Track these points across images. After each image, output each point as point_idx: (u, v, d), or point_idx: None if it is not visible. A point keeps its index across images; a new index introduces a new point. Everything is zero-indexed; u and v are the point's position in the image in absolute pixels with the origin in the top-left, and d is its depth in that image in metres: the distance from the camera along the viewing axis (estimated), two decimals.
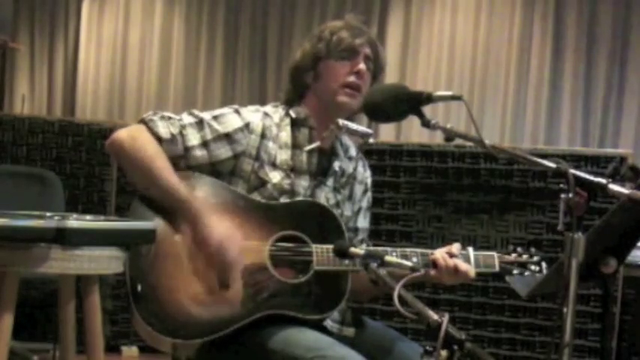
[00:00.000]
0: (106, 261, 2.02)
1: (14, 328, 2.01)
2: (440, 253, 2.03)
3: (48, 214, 2.11)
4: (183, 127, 2.04)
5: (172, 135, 2.02)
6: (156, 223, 1.95)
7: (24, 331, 4.03)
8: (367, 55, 2.15)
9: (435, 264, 2.02)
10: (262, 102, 2.25)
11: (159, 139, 2.01)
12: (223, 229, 1.94)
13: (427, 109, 1.75)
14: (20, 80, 7.74)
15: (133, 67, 7.52)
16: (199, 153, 2.04)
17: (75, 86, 7.62)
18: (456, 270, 2.00)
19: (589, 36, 6.34)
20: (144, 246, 1.94)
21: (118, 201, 4.29)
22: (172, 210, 1.96)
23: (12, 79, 7.56)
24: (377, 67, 2.18)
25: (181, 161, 2.03)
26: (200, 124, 2.06)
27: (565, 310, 1.46)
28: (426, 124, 1.72)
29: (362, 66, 2.12)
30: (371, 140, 2.01)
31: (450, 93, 1.75)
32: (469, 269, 2.02)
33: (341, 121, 2.03)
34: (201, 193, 2.01)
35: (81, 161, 4.31)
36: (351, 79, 2.11)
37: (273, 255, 2.00)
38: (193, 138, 2.04)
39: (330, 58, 2.13)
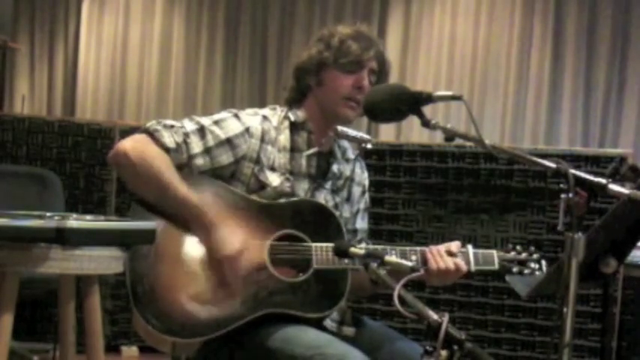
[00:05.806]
0: (106, 261, 2.02)
1: (14, 328, 2.01)
2: (431, 253, 2.02)
3: (48, 214, 2.11)
4: (186, 135, 2.03)
5: (177, 144, 2.01)
6: (156, 224, 1.96)
7: (24, 331, 4.03)
8: (372, 69, 2.13)
9: (425, 262, 2.02)
10: (262, 102, 2.25)
11: (165, 149, 1.99)
12: (237, 239, 1.96)
13: (427, 109, 1.75)
14: (20, 80, 7.74)
15: (133, 67, 7.52)
16: (202, 160, 2.04)
17: (75, 86, 7.62)
18: (446, 272, 2.00)
19: (589, 36, 6.34)
20: (144, 246, 1.94)
21: (117, 201, 4.29)
22: (183, 218, 1.97)
23: (12, 79, 7.56)
24: (380, 79, 2.16)
25: (184, 169, 2.03)
26: (202, 130, 2.05)
27: (565, 310, 1.46)
28: (426, 124, 1.72)
29: (365, 82, 2.11)
30: (369, 146, 2.01)
31: (450, 93, 1.75)
32: (461, 265, 2.02)
33: (339, 128, 2.03)
34: (203, 194, 2.01)
35: (81, 161, 4.31)
36: (353, 93, 2.10)
37: (272, 254, 2.00)
38: (196, 146, 2.03)
39: (335, 67, 2.12)
